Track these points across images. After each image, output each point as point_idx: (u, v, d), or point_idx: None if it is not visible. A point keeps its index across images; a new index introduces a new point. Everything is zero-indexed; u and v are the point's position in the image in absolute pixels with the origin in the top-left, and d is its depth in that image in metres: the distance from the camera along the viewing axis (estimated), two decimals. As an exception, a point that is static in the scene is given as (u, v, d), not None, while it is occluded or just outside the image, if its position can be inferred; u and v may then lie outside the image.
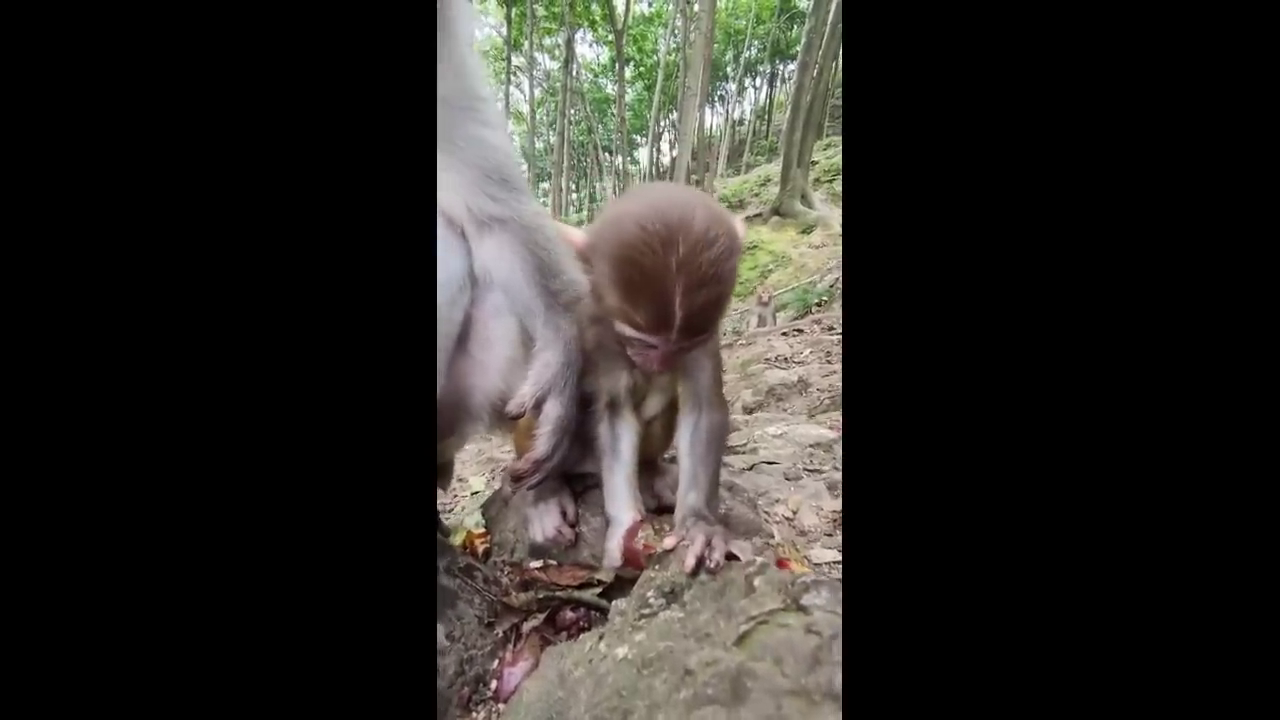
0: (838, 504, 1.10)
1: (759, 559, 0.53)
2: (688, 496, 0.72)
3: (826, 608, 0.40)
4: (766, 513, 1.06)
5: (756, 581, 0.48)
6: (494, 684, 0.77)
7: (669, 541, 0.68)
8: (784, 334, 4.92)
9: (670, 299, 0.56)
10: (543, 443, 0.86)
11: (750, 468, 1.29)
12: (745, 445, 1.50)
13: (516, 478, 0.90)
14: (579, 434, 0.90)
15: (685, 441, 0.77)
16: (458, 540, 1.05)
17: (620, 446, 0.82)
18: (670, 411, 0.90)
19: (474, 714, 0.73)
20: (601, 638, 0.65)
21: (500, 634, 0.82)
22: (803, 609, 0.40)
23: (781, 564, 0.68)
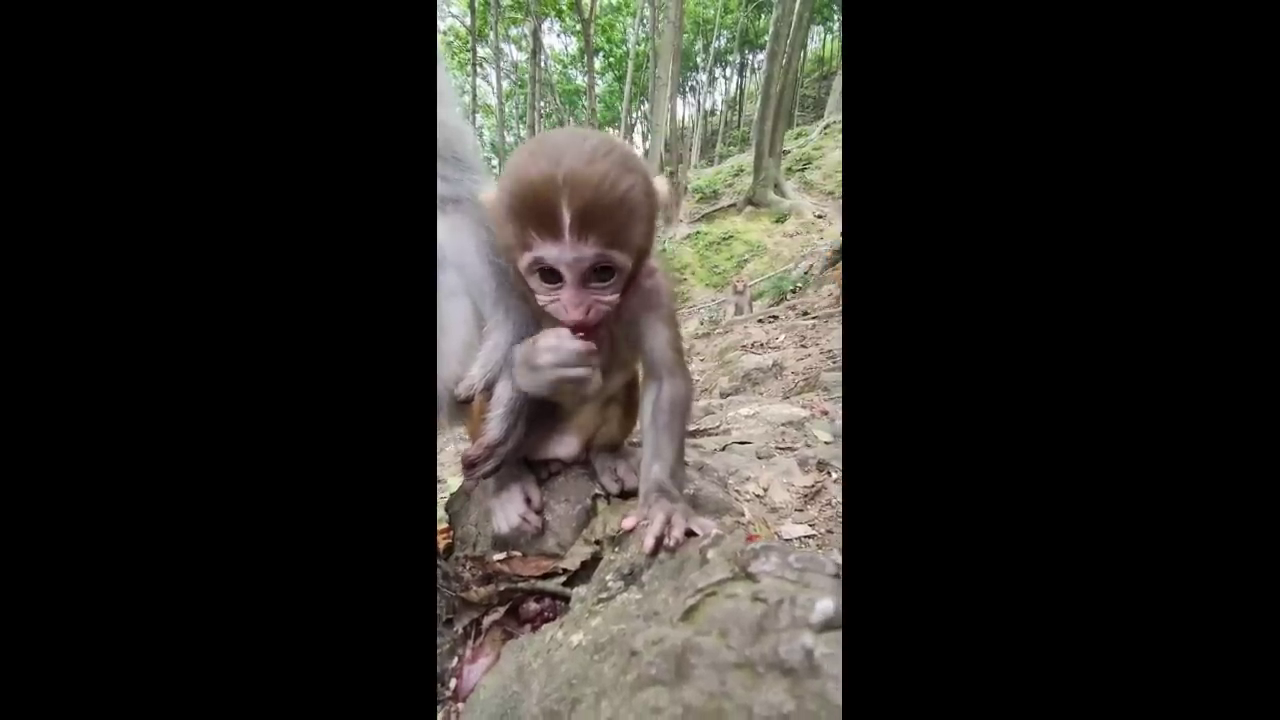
0: (808, 479, 1.09)
1: (715, 531, 0.51)
2: (651, 468, 0.69)
3: (775, 573, 0.37)
4: (737, 491, 1.04)
5: (710, 554, 0.45)
6: (453, 683, 0.73)
7: (629, 522, 0.65)
8: (760, 321, 4.95)
9: (557, 197, 0.55)
10: (494, 426, 0.82)
11: (723, 448, 1.27)
12: (719, 427, 1.48)
13: (469, 465, 0.86)
14: (535, 417, 0.86)
15: (647, 413, 0.74)
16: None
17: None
18: (629, 391, 0.87)
19: (431, 715, 0.69)
20: (561, 626, 0.61)
21: (460, 631, 0.78)
22: (750, 576, 0.38)
23: (751, 540, 0.66)
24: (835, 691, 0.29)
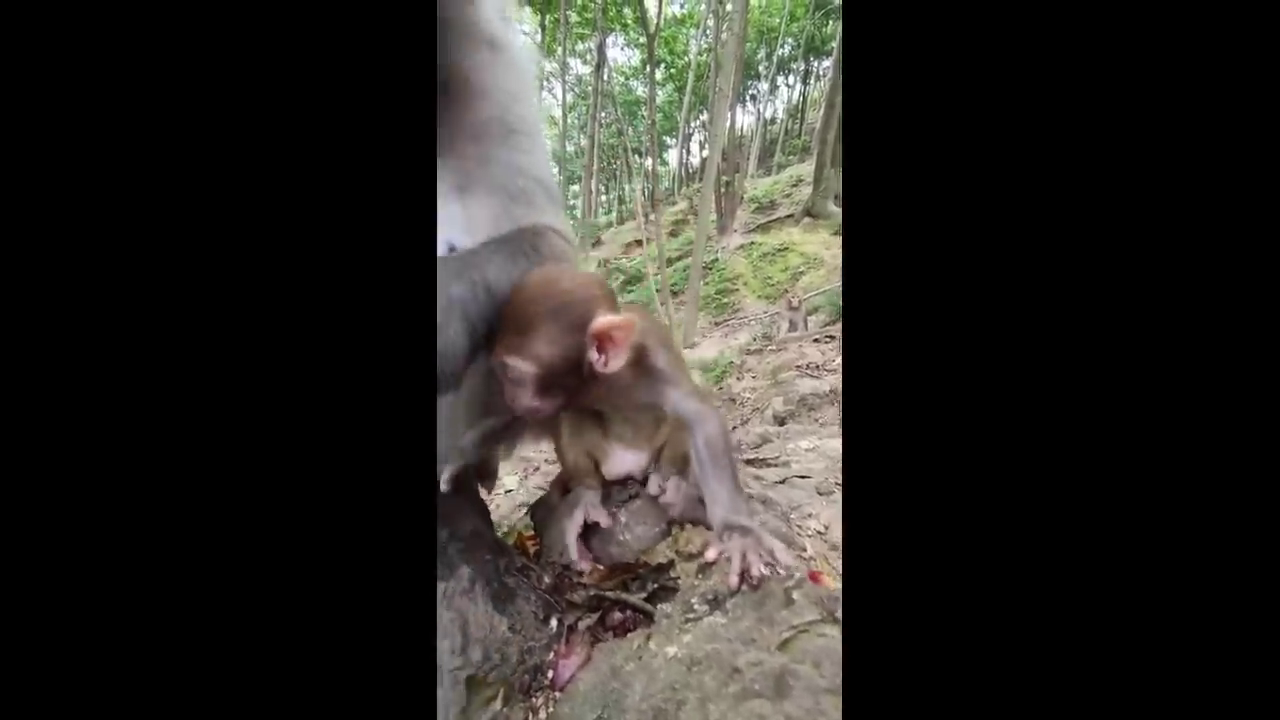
0: (869, 520, 1.14)
1: (796, 573, 0.60)
2: (714, 513, 0.77)
3: (859, 622, 0.46)
4: (799, 526, 1.11)
5: (795, 595, 0.54)
6: (550, 673, 0.85)
7: (711, 554, 0.75)
8: (815, 340, 4.87)
9: None
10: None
11: (782, 481, 1.34)
12: (778, 458, 1.54)
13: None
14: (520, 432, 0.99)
15: (694, 462, 0.81)
16: (510, 540, 1.15)
17: (575, 513, 0.97)
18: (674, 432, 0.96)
19: (534, 699, 0.82)
20: (649, 637, 0.72)
21: (554, 629, 0.91)
22: (838, 621, 0.47)
23: (814, 576, 0.73)
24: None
